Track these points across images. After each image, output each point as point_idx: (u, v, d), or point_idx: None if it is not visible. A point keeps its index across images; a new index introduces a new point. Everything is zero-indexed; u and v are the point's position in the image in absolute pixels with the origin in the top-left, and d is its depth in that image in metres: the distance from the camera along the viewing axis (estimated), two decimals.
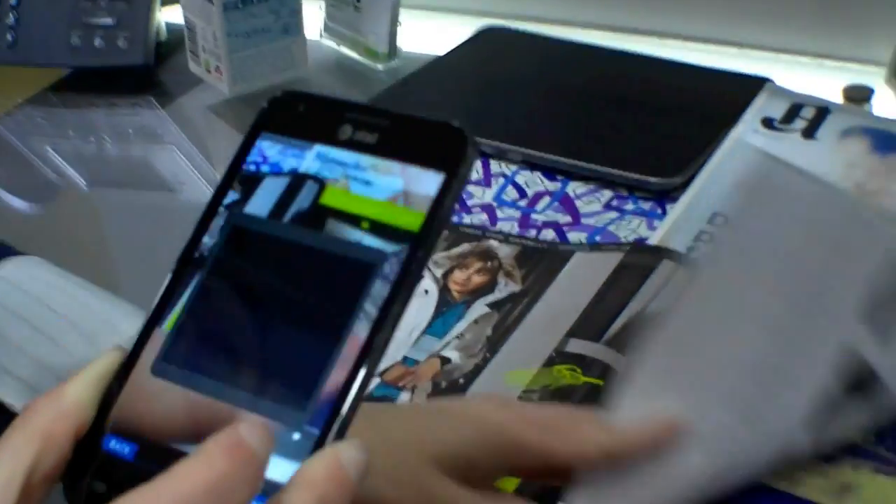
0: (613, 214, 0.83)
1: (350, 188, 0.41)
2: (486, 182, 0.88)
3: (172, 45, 1.16)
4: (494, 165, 0.90)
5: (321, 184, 0.41)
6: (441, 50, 1.07)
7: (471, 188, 0.87)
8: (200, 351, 0.40)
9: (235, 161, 0.43)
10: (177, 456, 0.36)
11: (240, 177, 0.42)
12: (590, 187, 0.86)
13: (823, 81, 0.99)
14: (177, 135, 1.07)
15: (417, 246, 0.39)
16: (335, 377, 0.37)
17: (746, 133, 0.88)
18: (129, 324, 0.56)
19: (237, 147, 0.43)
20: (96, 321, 0.56)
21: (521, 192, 0.86)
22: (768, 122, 0.89)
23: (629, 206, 0.84)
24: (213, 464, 0.34)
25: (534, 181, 0.87)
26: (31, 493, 0.37)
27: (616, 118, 0.93)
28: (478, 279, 0.75)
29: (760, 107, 0.91)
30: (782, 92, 0.93)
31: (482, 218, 0.84)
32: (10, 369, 0.55)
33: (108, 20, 1.11)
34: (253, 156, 0.43)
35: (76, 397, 0.39)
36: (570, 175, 0.87)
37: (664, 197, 0.84)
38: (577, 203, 0.85)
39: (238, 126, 1.05)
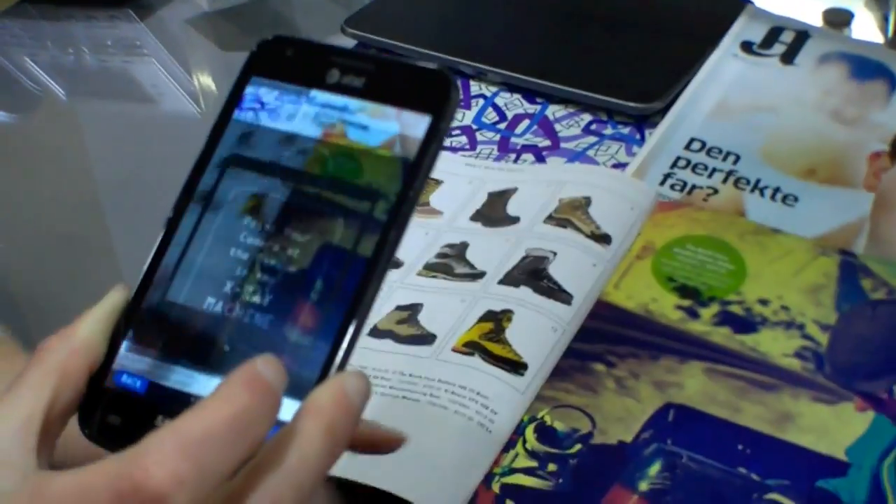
0: (592, 139, 0.84)
1: (347, 133, 0.42)
2: (465, 104, 0.88)
3: None
4: (474, 87, 0.90)
5: (319, 131, 0.43)
6: None
7: None
8: (202, 290, 0.42)
9: (229, 104, 0.44)
10: (184, 392, 0.39)
11: (236, 123, 0.44)
12: (569, 111, 0.87)
13: (803, 3, 0.99)
14: (155, 47, 1.06)
15: (407, 188, 0.41)
16: (335, 315, 0.40)
17: (725, 58, 0.89)
18: None
19: (229, 90, 0.44)
20: None
21: (501, 115, 0.87)
22: (747, 47, 0.90)
23: (608, 131, 0.84)
24: (234, 399, 0.36)
25: (513, 103, 0.88)
26: (51, 427, 0.39)
27: (596, 39, 0.93)
28: None
29: (740, 30, 0.91)
30: (762, 14, 0.93)
31: (462, 141, 0.84)
32: None
33: None
34: (248, 101, 0.44)
35: (88, 335, 0.41)
36: (550, 98, 0.88)
37: (643, 122, 0.85)
38: (557, 126, 0.85)
39: (216, 40, 1.05)
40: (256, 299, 0.41)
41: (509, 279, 0.69)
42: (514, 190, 0.77)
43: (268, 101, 0.44)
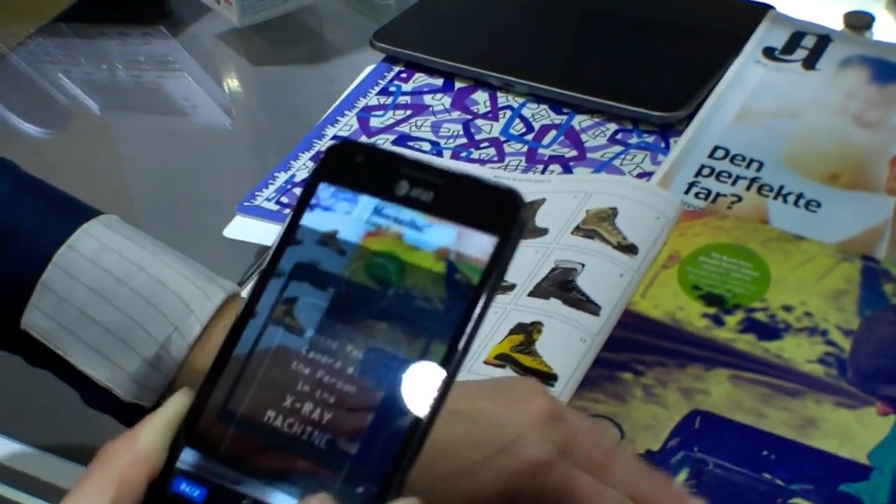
0: (618, 148, 0.86)
1: (410, 246, 0.42)
2: (493, 115, 0.90)
3: None
4: (502, 98, 0.92)
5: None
6: None
7: (479, 122, 0.90)
8: (263, 402, 0.42)
9: (298, 209, 0.44)
10: (243, 499, 0.40)
11: (304, 229, 0.44)
12: (595, 120, 0.89)
13: (825, 6, 1.01)
14: (187, 62, 1.09)
15: (469, 313, 0.40)
16: (394, 438, 0.40)
17: (748, 64, 0.91)
18: (198, 304, 0.59)
19: (300, 196, 0.44)
20: (168, 296, 0.60)
21: (528, 126, 0.89)
22: (769, 53, 0.92)
23: (633, 140, 0.86)
24: None
25: (540, 114, 0.90)
26: None
27: (620, 48, 0.95)
28: None
29: (762, 35, 0.93)
30: (784, 19, 0.95)
31: (491, 153, 0.87)
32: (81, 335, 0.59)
33: None
34: (316, 207, 0.44)
35: (149, 442, 0.42)
36: (576, 108, 0.90)
37: (667, 130, 0.87)
38: (583, 136, 0.87)
39: (247, 54, 1.07)
40: (315, 416, 0.41)
41: (539, 291, 0.72)
42: (543, 201, 0.79)
43: (335, 208, 0.43)
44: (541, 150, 0.86)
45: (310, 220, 0.43)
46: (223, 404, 0.42)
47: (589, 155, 0.85)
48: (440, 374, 0.40)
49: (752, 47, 0.92)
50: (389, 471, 0.39)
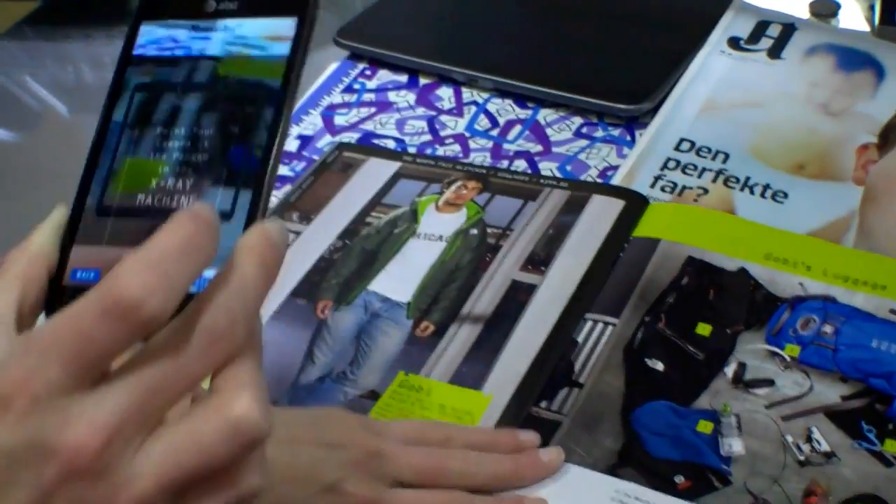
0: (584, 143, 0.85)
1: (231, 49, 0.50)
2: (458, 111, 0.89)
3: None
4: (466, 94, 0.91)
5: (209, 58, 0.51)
6: None
7: (444, 118, 0.89)
8: (132, 189, 0.49)
9: (126, 48, 0.52)
10: None
11: (137, 60, 0.52)
12: (560, 114, 0.88)
13: None
14: None
15: (290, 70, 0.48)
16: (249, 184, 0.48)
17: (713, 54, 0.90)
18: None
19: (125, 37, 0.52)
20: None
21: (493, 121, 0.88)
22: (734, 42, 0.91)
23: (599, 134, 0.85)
24: (182, 228, 0.43)
25: (505, 109, 0.89)
26: (23, 323, 0.46)
27: (584, 41, 0.94)
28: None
29: (727, 25, 0.92)
30: (749, 8, 0.94)
31: (455, 149, 0.85)
32: None
33: None
34: (142, 42, 0.52)
35: (41, 243, 0.48)
36: (541, 102, 0.89)
37: (633, 123, 0.86)
38: (548, 131, 0.86)
39: None
40: (180, 185, 0.48)
41: None
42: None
43: (160, 38, 0.52)
44: (506, 146, 0.85)
45: (140, 51, 0.51)
46: (99, 201, 0.49)
47: (554, 149, 0.84)
48: (276, 120, 0.48)
49: (717, 37, 0.91)
50: (250, 209, 0.47)
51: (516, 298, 0.72)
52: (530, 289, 0.72)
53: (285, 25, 0.49)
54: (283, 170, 0.85)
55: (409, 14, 1.01)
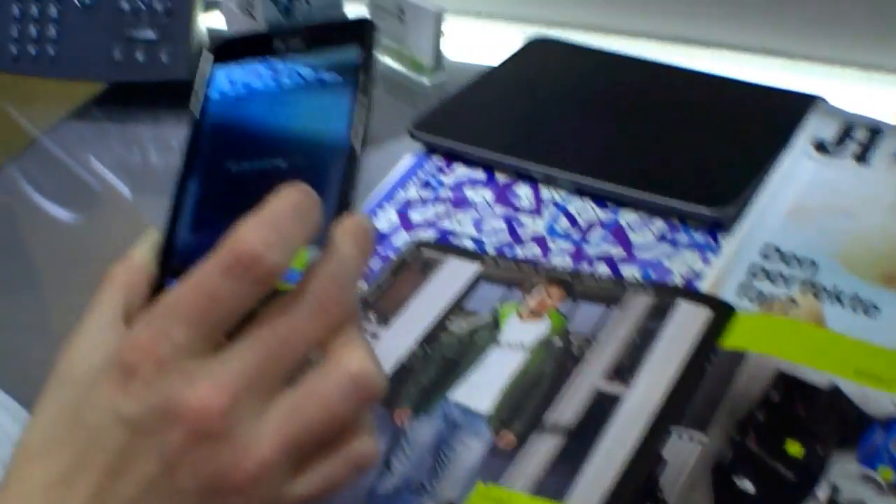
0: (667, 247, 0.86)
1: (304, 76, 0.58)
2: (537, 211, 0.91)
3: None
4: (545, 193, 0.93)
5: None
6: (486, 58, 1.10)
7: (522, 217, 0.90)
8: (221, 217, 0.52)
9: (201, 90, 0.59)
10: None
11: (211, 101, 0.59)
12: (642, 217, 0.89)
13: (875, 95, 1.01)
14: None
15: (365, 75, 0.57)
16: (335, 187, 0.54)
17: (799, 158, 0.91)
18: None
19: (201, 79, 0.60)
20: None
21: (573, 222, 0.89)
22: (820, 146, 0.92)
23: (683, 239, 0.87)
24: (292, 195, 0.49)
25: (585, 209, 0.90)
26: (129, 325, 0.51)
27: (665, 140, 0.96)
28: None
29: (811, 128, 0.93)
30: (833, 111, 0.95)
31: (535, 251, 0.87)
32: None
33: (150, 33, 1.14)
34: (217, 82, 0.59)
35: (141, 258, 0.54)
36: (622, 204, 0.90)
37: (717, 228, 0.87)
38: (630, 234, 0.88)
39: None
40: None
41: None
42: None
43: (234, 77, 0.59)
44: (587, 249, 0.87)
45: (216, 92, 0.59)
46: (189, 226, 0.55)
47: (637, 254, 0.86)
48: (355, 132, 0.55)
49: (802, 140, 0.92)
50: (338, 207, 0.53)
51: (601, 409, 0.73)
52: (615, 399, 0.73)
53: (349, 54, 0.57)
54: None
55: (486, 107, 1.03)
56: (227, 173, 0.56)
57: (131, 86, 1.17)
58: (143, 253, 0.55)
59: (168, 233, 0.56)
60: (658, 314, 0.78)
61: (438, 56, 1.10)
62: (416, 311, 0.82)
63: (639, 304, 0.80)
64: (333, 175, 0.54)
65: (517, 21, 1.20)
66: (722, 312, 0.78)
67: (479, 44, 1.19)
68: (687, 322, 0.78)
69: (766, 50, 1.11)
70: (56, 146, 1.14)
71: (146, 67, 1.14)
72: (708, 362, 0.75)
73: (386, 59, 1.15)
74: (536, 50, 1.11)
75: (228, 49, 0.60)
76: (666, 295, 0.80)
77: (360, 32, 0.58)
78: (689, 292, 0.81)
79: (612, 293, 0.81)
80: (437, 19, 1.08)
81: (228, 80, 0.59)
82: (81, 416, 0.48)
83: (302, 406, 0.49)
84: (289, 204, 0.49)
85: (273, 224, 0.48)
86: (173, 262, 0.55)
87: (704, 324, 0.77)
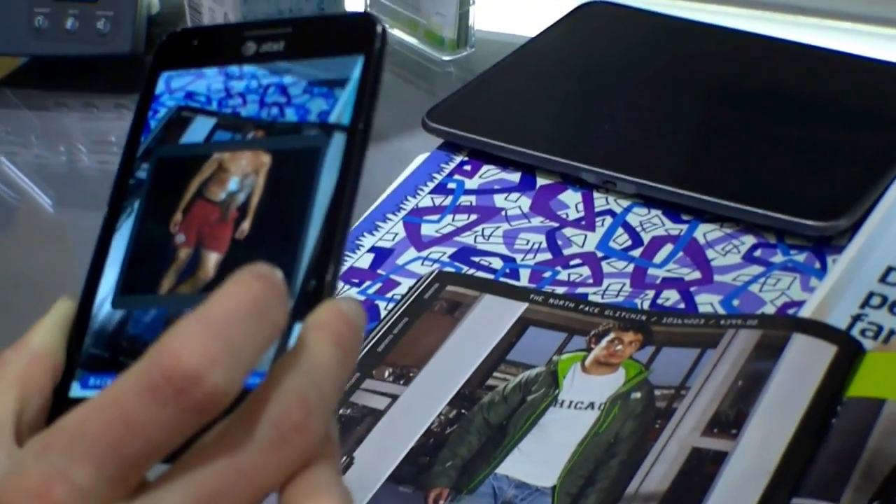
0: (757, 269, 0.88)
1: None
2: (588, 223, 0.93)
3: (166, 25, 1.21)
4: (599, 200, 0.95)
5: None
6: (523, 28, 1.12)
7: (568, 231, 0.92)
8: (151, 278, 0.52)
9: (142, 106, 0.56)
10: None
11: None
12: (726, 232, 0.91)
13: None
14: None
15: (356, 120, 0.52)
16: (316, 243, 0.51)
17: None
18: None
19: (142, 91, 0.56)
20: None
21: (635, 237, 0.91)
22: None
23: (778, 259, 0.89)
24: (248, 287, 0.45)
25: (651, 222, 0.93)
26: (22, 440, 0.47)
27: (760, 139, 0.97)
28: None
29: None
30: None
31: (583, 273, 0.89)
32: None
33: None
34: (160, 94, 0.56)
35: (43, 342, 0.51)
36: (700, 215, 0.92)
37: (824, 246, 0.89)
38: (709, 253, 0.90)
39: None
40: (219, 263, 0.52)
41: None
42: None
43: (183, 89, 0.56)
44: (651, 271, 0.89)
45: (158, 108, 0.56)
46: (115, 297, 0.52)
47: (717, 277, 0.88)
48: (343, 180, 0.52)
49: None
50: (319, 281, 0.50)
51: (700, 470, 0.74)
52: (719, 457, 0.74)
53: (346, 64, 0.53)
54: (352, 291, 0.88)
55: (523, 92, 1.05)
56: (172, 224, 0.53)
57: (56, 61, 1.19)
58: (46, 335, 0.51)
59: (83, 305, 0.53)
60: (768, 352, 0.80)
61: (465, 27, 1.12)
62: (444, 366, 0.83)
63: (741, 341, 0.81)
64: (309, 235, 0.51)
65: None
66: (849, 350, 0.79)
67: (514, 10, 1.20)
68: (806, 360, 0.79)
69: (886, 20, 1.12)
70: None
71: (78, 38, 1.16)
72: (834, 413, 0.76)
73: (395, 32, 1.17)
74: (588, 16, 1.13)
75: (178, 48, 0.57)
76: (777, 327, 0.81)
77: (363, 37, 0.53)
78: (807, 323, 0.82)
79: (706, 333, 0.82)
80: None
81: (178, 96, 0.56)
82: None
83: None
84: (243, 300, 0.45)
85: (219, 329, 0.44)
86: (91, 349, 0.51)
87: (828, 364, 0.78)
